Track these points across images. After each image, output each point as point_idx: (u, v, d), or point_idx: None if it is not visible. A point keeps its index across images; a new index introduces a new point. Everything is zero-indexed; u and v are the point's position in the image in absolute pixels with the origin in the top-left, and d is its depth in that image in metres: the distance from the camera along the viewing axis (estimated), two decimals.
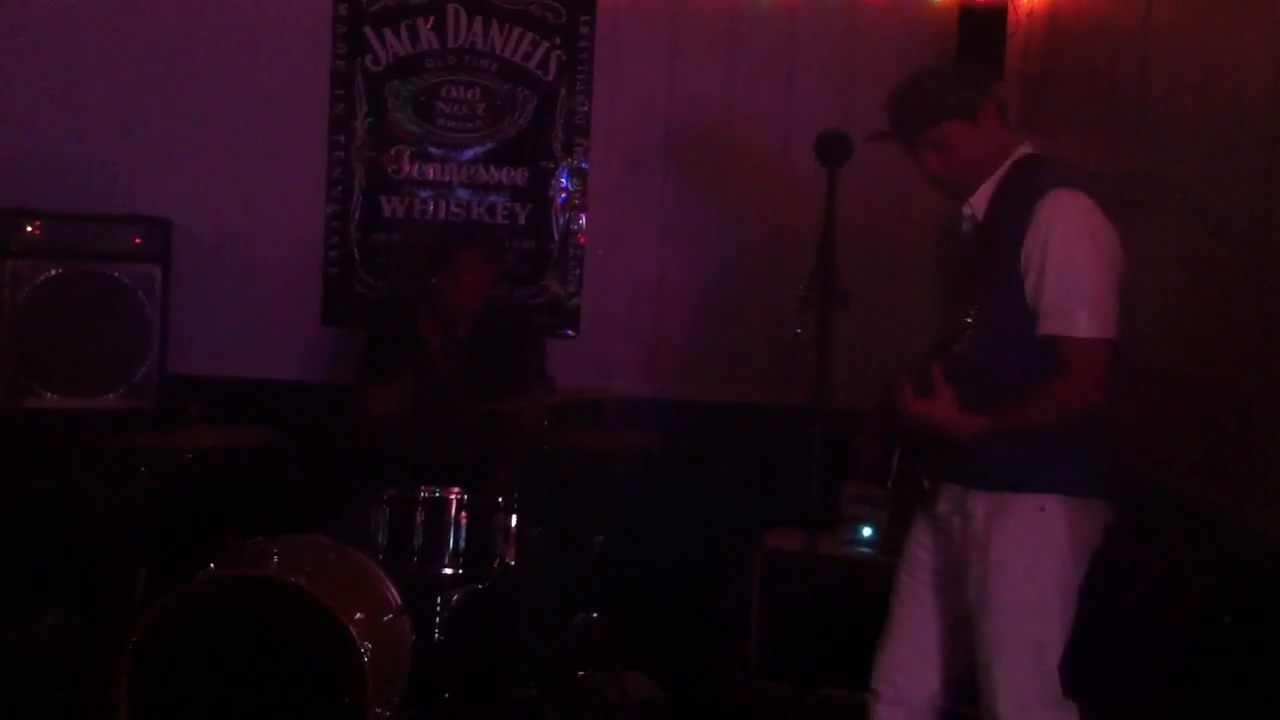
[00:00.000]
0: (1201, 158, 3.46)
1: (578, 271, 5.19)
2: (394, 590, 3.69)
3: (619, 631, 4.32)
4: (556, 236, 5.18)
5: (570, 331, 5.18)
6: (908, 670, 3.03)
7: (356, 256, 5.13)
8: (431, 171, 5.15)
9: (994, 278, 2.79)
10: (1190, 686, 3.11)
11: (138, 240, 4.72)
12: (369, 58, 5.09)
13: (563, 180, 5.17)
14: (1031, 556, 2.77)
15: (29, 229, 4.60)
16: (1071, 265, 2.70)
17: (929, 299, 5.14)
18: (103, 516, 4.38)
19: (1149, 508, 3.44)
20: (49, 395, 4.60)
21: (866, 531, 4.42)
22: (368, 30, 5.08)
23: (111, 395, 4.67)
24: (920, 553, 3.03)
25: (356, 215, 5.13)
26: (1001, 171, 2.88)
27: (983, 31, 4.98)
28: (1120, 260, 2.76)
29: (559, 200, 5.18)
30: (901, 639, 3.05)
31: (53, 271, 4.61)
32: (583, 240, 5.19)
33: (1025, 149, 2.91)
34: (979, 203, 2.89)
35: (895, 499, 3.04)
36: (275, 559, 3.47)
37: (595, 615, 4.30)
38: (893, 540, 3.09)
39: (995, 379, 2.75)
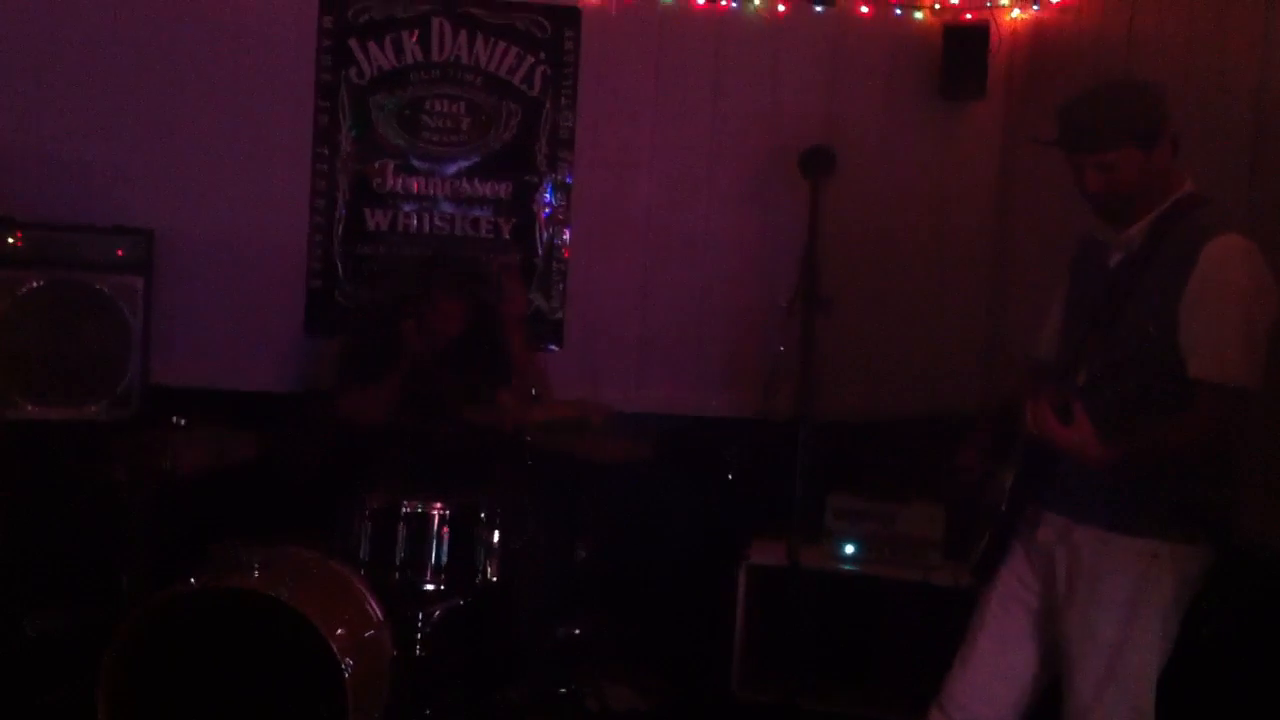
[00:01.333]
0: (1186, 169, 3.48)
1: (562, 286, 5.20)
2: (376, 604, 3.68)
3: (603, 643, 4.32)
4: (540, 250, 5.18)
5: (554, 346, 5.18)
6: (982, 697, 3.01)
7: (340, 268, 5.13)
8: (416, 184, 5.14)
9: (1143, 312, 2.73)
10: (1188, 686, 3.10)
11: (120, 251, 4.70)
12: (354, 70, 5.09)
13: (547, 194, 5.17)
14: (1140, 598, 2.75)
15: (11, 239, 4.58)
16: (1232, 313, 2.65)
17: (911, 309, 5.21)
18: (84, 527, 4.36)
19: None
20: (30, 406, 4.57)
21: (849, 549, 4.43)
22: (353, 43, 5.08)
23: (94, 406, 4.63)
24: (1014, 584, 3.00)
25: (340, 228, 5.12)
26: (1163, 207, 2.78)
27: (966, 49, 5.04)
28: (1277, 308, 2.71)
29: (543, 214, 5.18)
30: (980, 665, 3.02)
31: (35, 282, 4.58)
32: (567, 254, 5.20)
33: (1188, 186, 2.82)
34: (1135, 235, 2.81)
35: (1001, 522, 2.98)
36: (256, 571, 3.46)
37: (578, 631, 4.29)
38: (989, 564, 3.03)
39: (1126, 409, 2.71)
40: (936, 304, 5.25)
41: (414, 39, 5.10)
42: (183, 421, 3.94)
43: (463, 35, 5.11)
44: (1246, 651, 3.20)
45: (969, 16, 5.09)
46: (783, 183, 4.65)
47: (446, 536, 3.83)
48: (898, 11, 5.15)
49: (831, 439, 4.18)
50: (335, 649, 3.31)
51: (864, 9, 5.14)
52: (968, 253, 5.26)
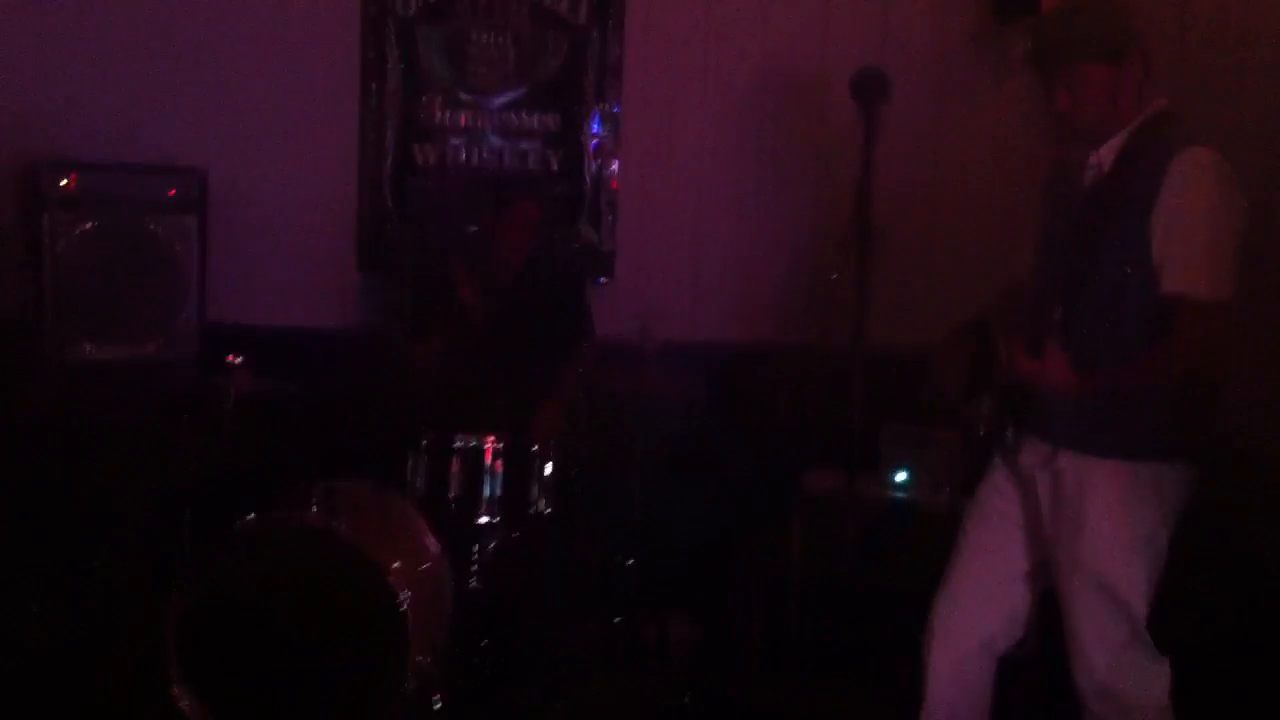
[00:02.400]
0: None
1: (611, 218, 5.16)
2: (433, 537, 3.71)
3: (658, 576, 4.33)
4: (589, 182, 5.15)
5: (604, 279, 5.16)
6: (968, 613, 3.02)
7: (390, 204, 5.12)
8: (463, 118, 5.11)
9: (1116, 233, 2.71)
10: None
11: (172, 191, 4.72)
12: (400, 2, 5.04)
13: (595, 125, 5.13)
14: (1123, 520, 2.76)
15: (64, 181, 4.61)
16: (1200, 226, 2.63)
17: (966, 237, 5.13)
18: (144, 466, 4.42)
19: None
20: (89, 346, 4.63)
21: (901, 475, 4.40)
22: None
23: (150, 344, 4.69)
24: (996, 499, 3.01)
25: (389, 162, 5.11)
26: (1134, 125, 2.77)
27: None
28: (1247, 224, 2.68)
29: (592, 145, 5.14)
30: (964, 582, 3.03)
31: (89, 224, 4.62)
32: (615, 186, 5.16)
33: (1160, 103, 2.80)
34: (1106, 155, 2.79)
35: (980, 445, 2.99)
36: (315, 506, 3.49)
37: (631, 561, 4.30)
38: (970, 485, 3.06)
39: (1106, 335, 2.71)
40: (988, 231, 5.16)
41: None
42: (239, 359, 3.98)
43: None
44: (1249, 652, 3.17)
45: None
46: (835, 110, 4.57)
47: (500, 470, 3.85)
48: None
49: (886, 367, 4.13)
50: (392, 582, 3.34)
51: None
52: (1018, 179, 5.14)
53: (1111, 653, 2.78)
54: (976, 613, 3.01)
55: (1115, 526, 2.76)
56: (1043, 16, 2.87)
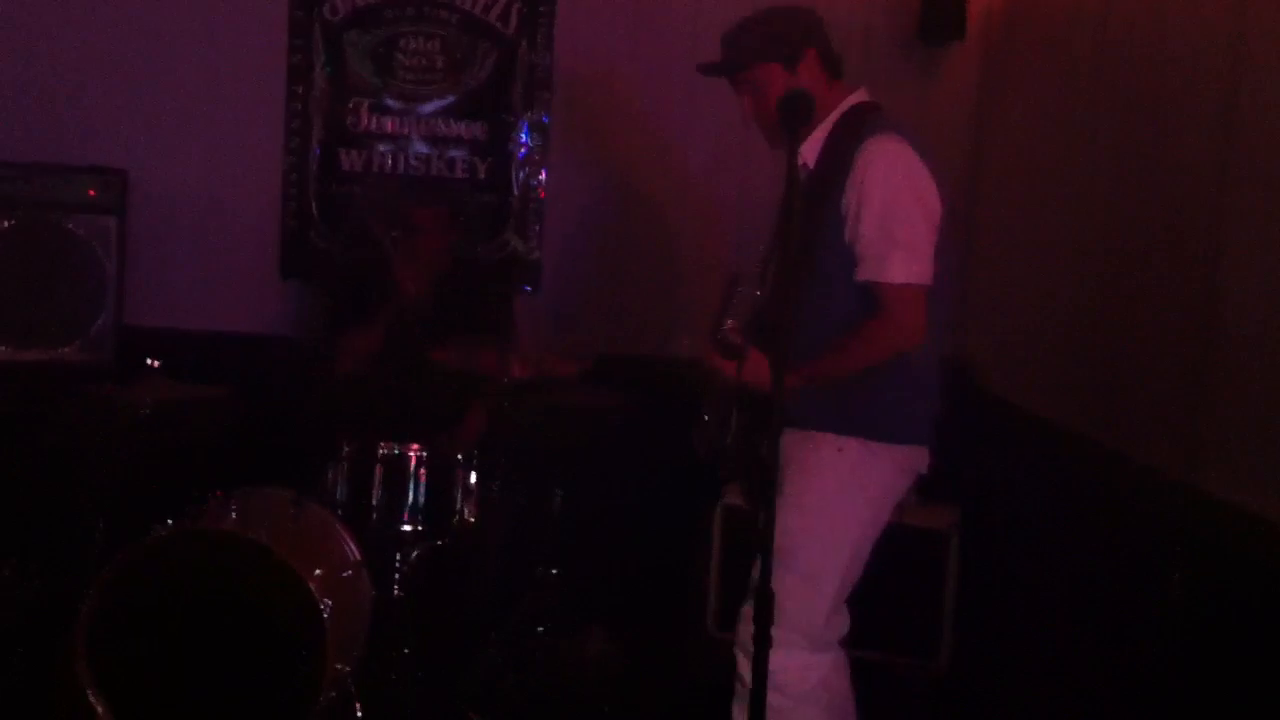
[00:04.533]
0: (1156, 124, 3.48)
1: (538, 227, 5.17)
2: (354, 546, 3.70)
3: (579, 587, 4.35)
4: (516, 191, 5.16)
5: (529, 287, 5.17)
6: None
7: (315, 209, 5.09)
8: (390, 124, 5.10)
9: (822, 225, 2.81)
10: (1140, 648, 3.16)
11: (92, 192, 4.66)
12: (327, 7, 5.02)
13: (523, 135, 5.14)
14: (822, 493, 2.83)
15: None
16: (888, 211, 2.74)
17: None
18: (59, 471, 4.36)
19: (1101, 471, 3.49)
20: (4, 347, 4.55)
21: None
22: None
23: (67, 348, 4.62)
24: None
25: (314, 168, 5.08)
26: (830, 120, 2.90)
27: None
28: (938, 207, 2.79)
29: (519, 155, 5.15)
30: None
31: (6, 223, 4.55)
32: (543, 195, 5.17)
33: (856, 98, 2.93)
34: (809, 151, 2.90)
35: (741, 451, 3.02)
36: (234, 514, 3.47)
37: (555, 571, 4.31)
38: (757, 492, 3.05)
39: (819, 326, 2.79)
40: None
41: None
42: (157, 363, 3.94)
43: None
44: (1209, 611, 3.25)
45: None
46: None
47: (424, 478, 3.85)
48: None
49: None
50: (314, 590, 3.33)
51: None
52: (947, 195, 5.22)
53: (790, 626, 2.67)
54: None
55: (816, 499, 2.82)
56: (726, 30, 2.99)
